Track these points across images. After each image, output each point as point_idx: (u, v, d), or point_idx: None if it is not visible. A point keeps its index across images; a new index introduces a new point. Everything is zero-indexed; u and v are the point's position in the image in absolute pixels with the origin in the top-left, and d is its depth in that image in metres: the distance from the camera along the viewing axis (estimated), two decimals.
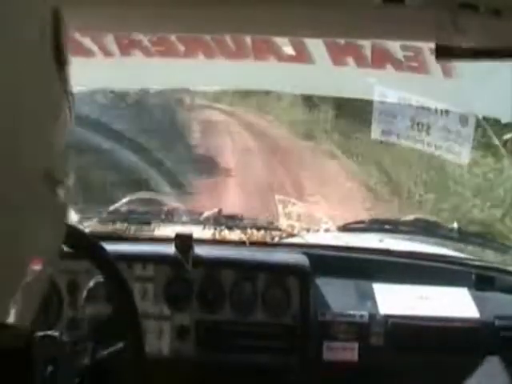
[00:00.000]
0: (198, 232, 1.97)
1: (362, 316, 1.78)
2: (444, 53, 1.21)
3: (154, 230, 2.08)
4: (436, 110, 1.92)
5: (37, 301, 0.54)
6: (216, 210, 2.11)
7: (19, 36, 0.48)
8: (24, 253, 0.49)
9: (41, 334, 1.25)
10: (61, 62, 0.54)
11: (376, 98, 1.95)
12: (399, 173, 5.93)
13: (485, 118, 1.92)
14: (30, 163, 0.49)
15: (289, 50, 1.83)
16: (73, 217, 2.02)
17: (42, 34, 0.52)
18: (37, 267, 0.51)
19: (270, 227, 2.09)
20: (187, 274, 1.78)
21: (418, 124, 1.95)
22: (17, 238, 0.48)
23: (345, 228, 2.11)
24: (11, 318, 0.49)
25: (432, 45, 1.34)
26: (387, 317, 1.78)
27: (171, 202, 2.35)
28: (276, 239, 2.06)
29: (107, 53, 1.86)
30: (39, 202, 0.50)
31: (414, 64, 1.74)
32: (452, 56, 1.24)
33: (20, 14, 0.49)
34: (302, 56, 1.81)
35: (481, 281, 1.91)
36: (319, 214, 2.16)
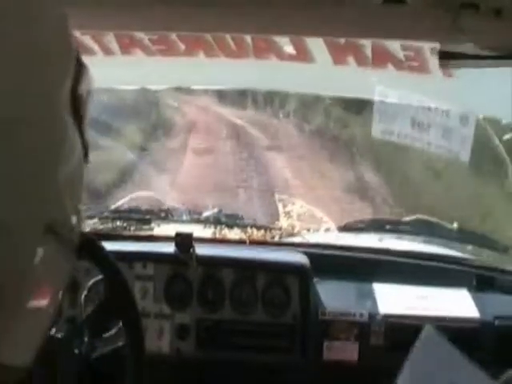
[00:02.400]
0: (198, 231, 1.97)
1: (362, 315, 1.78)
2: (447, 56, 1.22)
3: (154, 229, 2.08)
4: (436, 110, 1.92)
5: (39, 339, 0.52)
6: (216, 209, 2.12)
7: (35, 80, 0.45)
8: (25, 293, 0.48)
9: None
10: (77, 113, 0.50)
11: (376, 97, 1.95)
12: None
13: (485, 118, 1.92)
14: (30, 217, 0.45)
15: (289, 49, 1.83)
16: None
17: (61, 82, 0.48)
18: (41, 303, 0.49)
19: (270, 226, 2.09)
20: (187, 273, 1.78)
21: (418, 123, 1.95)
22: (17, 280, 0.46)
23: (345, 228, 2.11)
24: (8, 358, 0.48)
25: (432, 44, 1.34)
26: (387, 316, 1.78)
27: (171, 200, 2.35)
28: (276, 238, 2.07)
29: (108, 51, 1.86)
30: (42, 254, 0.47)
31: (415, 64, 1.74)
32: (454, 59, 1.24)
33: (42, 59, 0.46)
34: (303, 55, 1.81)
35: (481, 281, 1.91)
36: (319, 214, 2.16)
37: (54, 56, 0.48)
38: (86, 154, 0.52)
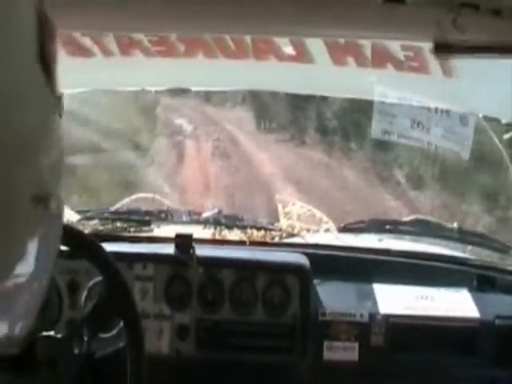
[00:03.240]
0: (198, 232, 1.97)
1: (362, 316, 1.78)
2: (442, 49, 1.22)
3: (153, 230, 2.08)
4: (436, 110, 1.92)
5: (33, 314, 0.53)
6: (216, 209, 2.12)
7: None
8: (17, 269, 0.48)
9: (41, 334, 1.25)
10: (48, 71, 0.50)
11: (376, 97, 1.95)
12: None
13: (485, 118, 1.92)
14: (16, 186, 0.46)
15: (289, 49, 1.83)
16: (73, 217, 2.03)
17: (25, 41, 0.48)
18: (31, 281, 0.50)
19: (269, 227, 2.09)
20: (187, 274, 1.78)
21: (418, 124, 1.95)
22: (8, 256, 0.47)
23: (345, 228, 2.11)
24: (6, 330, 0.48)
25: (432, 45, 1.34)
26: (387, 317, 1.78)
27: (171, 201, 2.35)
28: (276, 239, 2.06)
29: (107, 53, 1.86)
30: (28, 222, 0.48)
31: (415, 64, 1.74)
32: (450, 52, 1.24)
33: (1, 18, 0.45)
34: (302, 56, 1.81)
35: (481, 281, 1.91)
36: (319, 214, 2.16)
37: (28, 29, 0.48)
38: (59, 107, 0.54)
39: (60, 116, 0.55)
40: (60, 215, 0.54)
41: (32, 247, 0.49)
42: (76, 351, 1.31)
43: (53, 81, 0.52)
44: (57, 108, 0.54)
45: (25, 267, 0.49)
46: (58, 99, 0.54)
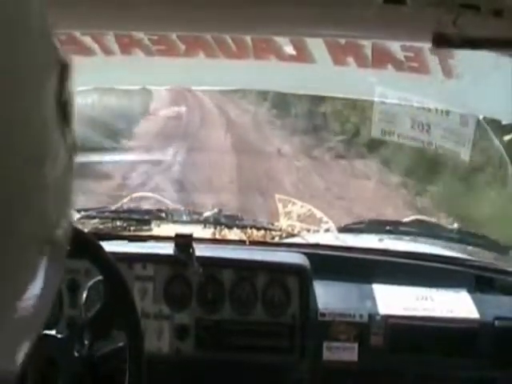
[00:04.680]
0: (198, 231, 1.97)
1: (361, 316, 1.78)
2: (442, 41, 1.21)
3: (153, 230, 2.08)
4: (436, 111, 1.92)
5: (28, 345, 0.52)
6: (216, 209, 2.12)
7: (20, 85, 0.42)
8: (19, 305, 0.47)
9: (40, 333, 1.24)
10: (65, 118, 0.47)
11: (376, 98, 1.95)
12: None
13: (485, 119, 1.92)
14: (23, 234, 0.43)
15: (289, 49, 1.83)
16: (73, 215, 2.02)
17: (45, 85, 0.45)
18: (29, 314, 0.49)
19: (269, 227, 2.09)
20: (187, 274, 1.78)
21: (418, 124, 1.94)
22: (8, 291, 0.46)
23: (345, 228, 2.11)
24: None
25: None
26: (387, 317, 1.78)
27: (171, 201, 2.35)
28: (276, 239, 2.06)
29: (108, 52, 1.86)
30: (33, 267, 0.45)
31: (415, 64, 1.74)
32: (449, 45, 1.24)
33: (27, 64, 0.43)
34: (303, 56, 1.81)
35: (481, 281, 1.91)
36: (319, 214, 2.16)
37: (39, 59, 0.47)
38: (71, 157, 0.51)
39: (72, 163, 0.52)
40: (66, 242, 0.52)
41: (34, 283, 0.48)
42: (76, 354, 1.31)
43: (70, 129, 0.50)
44: (70, 160, 0.51)
45: (26, 302, 0.48)
46: (72, 149, 0.52)
